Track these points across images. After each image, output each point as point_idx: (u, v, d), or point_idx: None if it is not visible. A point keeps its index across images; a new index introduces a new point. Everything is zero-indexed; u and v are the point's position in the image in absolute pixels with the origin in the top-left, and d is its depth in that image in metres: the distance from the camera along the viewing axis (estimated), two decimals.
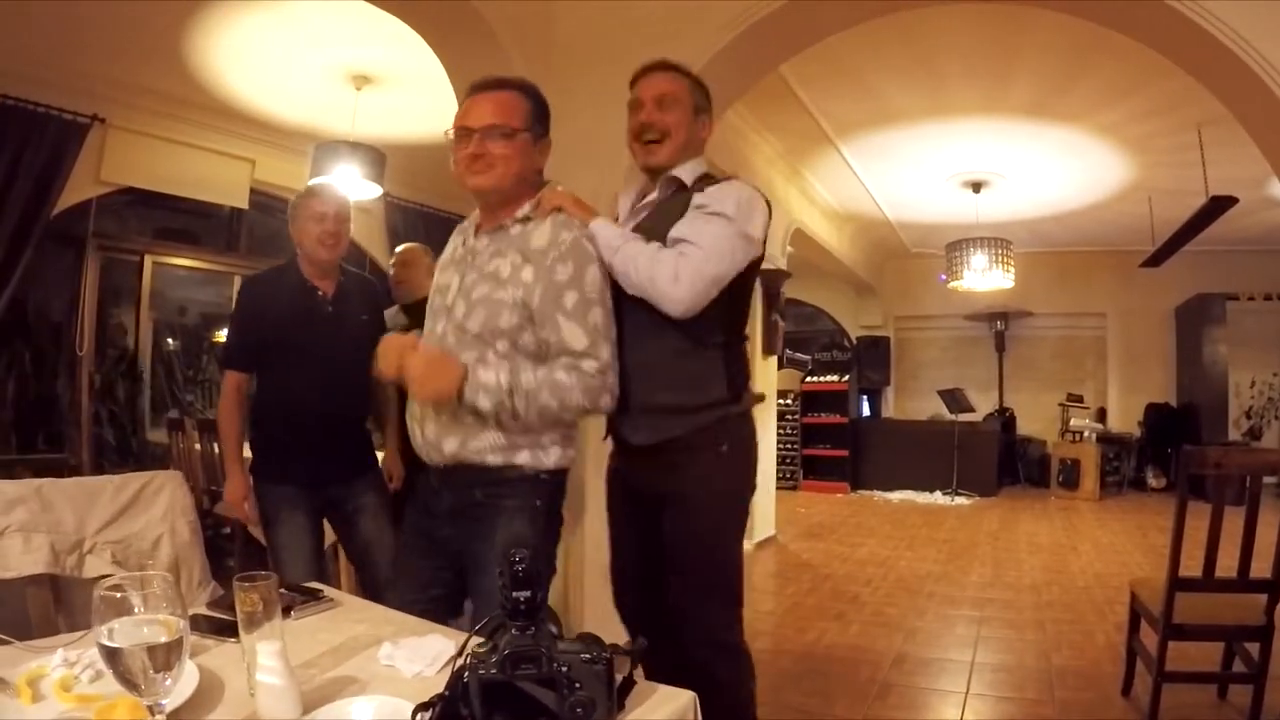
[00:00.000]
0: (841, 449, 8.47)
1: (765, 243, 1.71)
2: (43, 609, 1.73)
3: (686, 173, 1.73)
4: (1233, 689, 2.70)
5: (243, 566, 3.46)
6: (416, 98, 4.47)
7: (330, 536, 2.56)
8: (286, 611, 1.29)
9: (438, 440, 1.55)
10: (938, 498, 7.94)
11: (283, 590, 1.23)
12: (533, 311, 1.50)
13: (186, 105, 4.56)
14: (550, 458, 1.55)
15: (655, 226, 1.67)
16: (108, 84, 4.22)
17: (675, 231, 1.61)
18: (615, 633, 1.96)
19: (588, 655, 0.90)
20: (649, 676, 1.05)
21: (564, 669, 0.89)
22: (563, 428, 1.57)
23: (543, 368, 1.50)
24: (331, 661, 1.16)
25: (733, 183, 1.69)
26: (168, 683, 0.84)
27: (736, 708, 1.74)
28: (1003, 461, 8.49)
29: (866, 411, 9.54)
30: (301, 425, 2.29)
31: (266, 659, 0.95)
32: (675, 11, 2.88)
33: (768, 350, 6.02)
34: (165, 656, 0.83)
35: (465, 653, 0.92)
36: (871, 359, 9.63)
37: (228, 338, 2.58)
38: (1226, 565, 2.41)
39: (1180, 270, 7.47)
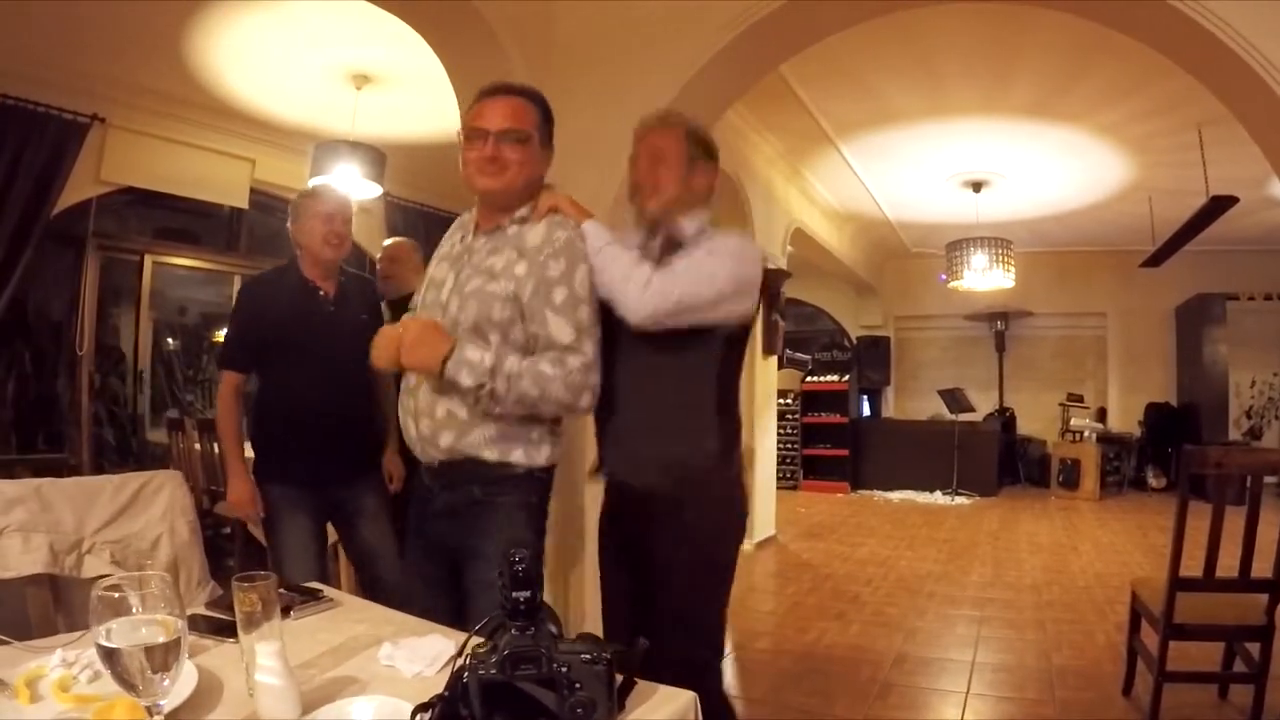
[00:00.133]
0: (842, 449, 8.48)
1: (757, 304, 1.71)
2: (42, 609, 1.73)
3: (688, 229, 1.71)
4: (1233, 689, 2.70)
5: (242, 566, 3.46)
6: (416, 98, 4.47)
7: (331, 536, 2.56)
8: (286, 611, 1.29)
9: (433, 435, 1.56)
10: (938, 497, 7.93)
11: (282, 590, 1.23)
12: (523, 305, 1.53)
13: (186, 105, 4.56)
14: (542, 455, 1.59)
15: None
16: (108, 84, 4.21)
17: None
18: None
19: (588, 655, 0.90)
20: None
21: (564, 669, 0.89)
22: (549, 423, 1.59)
23: (528, 358, 1.52)
24: (331, 661, 1.16)
25: (733, 234, 1.72)
26: (166, 683, 0.84)
27: None
28: (1003, 461, 8.49)
29: (867, 411, 9.54)
30: (302, 424, 2.29)
31: (265, 659, 0.95)
32: (675, 11, 2.88)
33: (768, 350, 6.01)
34: (163, 657, 0.83)
35: (465, 653, 0.92)
36: (871, 359, 9.62)
37: (226, 338, 2.58)
38: (1227, 565, 2.41)
39: (1180, 270, 7.47)
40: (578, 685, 0.88)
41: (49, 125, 3.99)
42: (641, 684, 1.01)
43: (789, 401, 8.46)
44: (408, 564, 1.78)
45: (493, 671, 0.88)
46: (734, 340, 1.70)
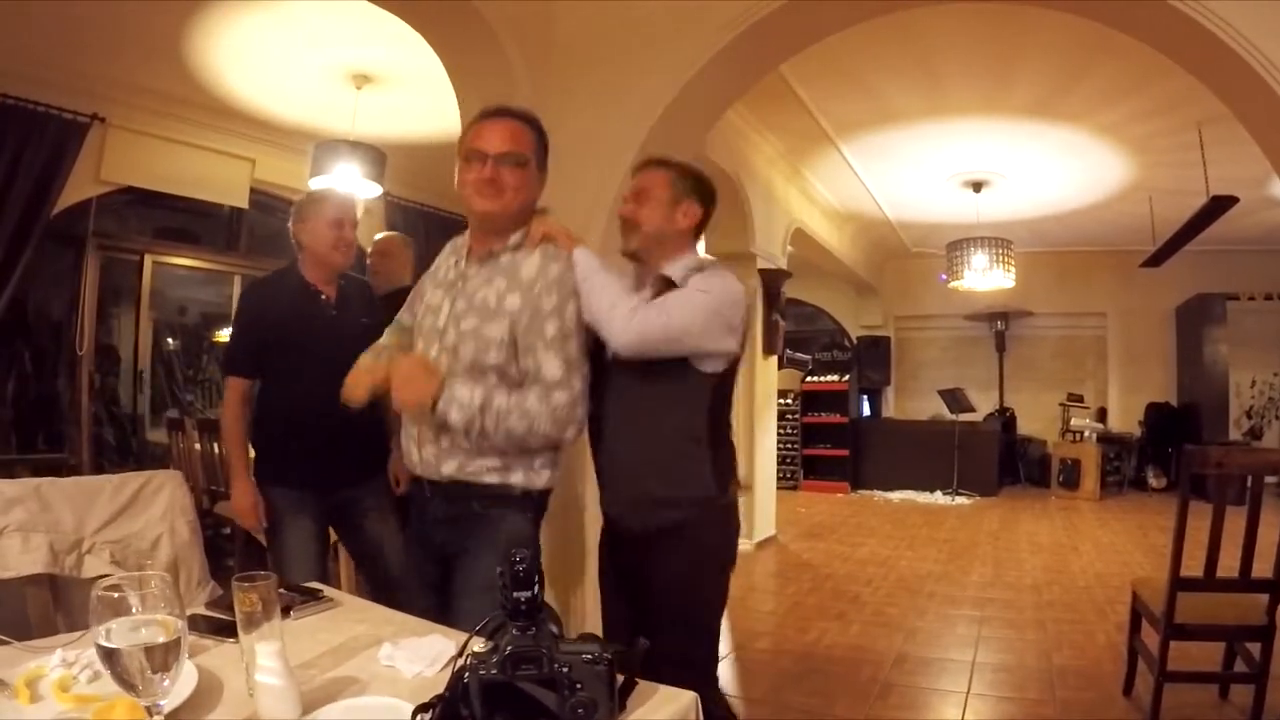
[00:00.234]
0: (842, 449, 8.48)
1: (743, 345, 1.73)
2: (41, 609, 1.73)
3: (676, 270, 1.74)
4: (1234, 689, 2.70)
5: (242, 566, 3.46)
6: (416, 97, 4.46)
7: (330, 537, 2.55)
8: (286, 612, 1.29)
9: (436, 462, 1.60)
10: (938, 497, 7.93)
11: (282, 590, 1.22)
12: (517, 339, 1.55)
13: (186, 105, 4.56)
14: (541, 479, 1.62)
15: None
16: (108, 84, 4.21)
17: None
18: None
19: (589, 655, 0.90)
20: None
21: (565, 669, 0.88)
22: (549, 451, 1.63)
23: (516, 393, 1.54)
24: (331, 662, 1.16)
25: (721, 272, 1.74)
26: (166, 683, 0.84)
27: None
28: (1003, 461, 8.49)
29: (867, 411, 9.53)
30: (304, 427, 2.27)
31: (266, 659, 0.95)
32: (675, 11, 2.88)
33: (768, 350, 6.01)
34: (163, 657, 0.83)
35: (465, 653, 0.92)
36: (872, 359, 9.62)
37: (230, 343, 2.56)
38: (1228, 565, 2.40)
39: (1180, 270, 7.47)
40: (579, 685, 0.88)
41: (49, 125, 3.99)
42: (642, 684, 1.01)
43: (789, 401, 8.46)
44: (407, 565, 1.81)
45: (493, 672, 0.88)
46: (724, 374, 1.72)
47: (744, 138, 5.19)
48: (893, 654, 3.33)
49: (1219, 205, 5.14)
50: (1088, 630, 3.60)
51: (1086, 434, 8.00)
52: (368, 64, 4.14)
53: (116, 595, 0.84)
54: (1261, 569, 2.39)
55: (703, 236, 1.87)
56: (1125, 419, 8.68)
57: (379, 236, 3.25)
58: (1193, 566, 2.41)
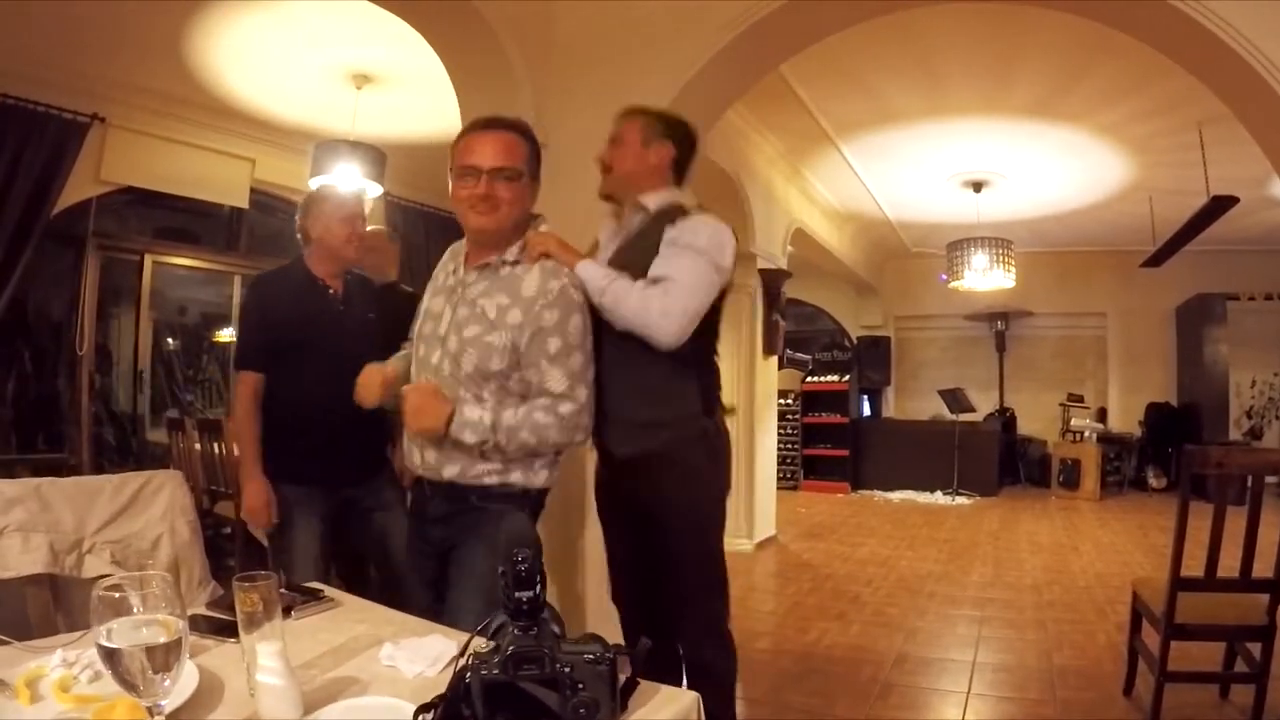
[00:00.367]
0: (842, 449, 8.47)
1: (733, 270, 1.84)
2: (42, 609, 1.73)
3: (652, 201, 1.86)
4: (1235, 689, 2.70)
5: (243, 566, 3.46)
6: (416, 97, 4.46)
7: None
8: (287, 611, 1.29)
9: (438, 466, 1.63)
10: (938, 498, 7.93)
11: (283, 590, 1.22)
12: (520, 354, 1.57)
13: (186, 105, 4.56)
14: (539, 478, 1.65)
15: (631, 259, 1.79)
16: (108, 84, 4.21)
17: (655, 270, 1.74)
18: (616, 633, 1.97)
19: (591, 655, 0.90)
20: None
21: (567, 669, 0.88)
22: (549, 455, 1.66)
23: (524, 406, 1.58)
24: (332, 662, 1.16)
25: (702, 217, 1.82)
26: (166, 683, 0.84)
27: (724, 692, 1.93)
28: (1003, 461, 8.49)
29: (867, 411, 9.53)
30: (311, 422, 2.26)
31: (266, 659, 0.95)
32: (675, 11, 2.88)
33: (768, 350, 6.00)
34: (164, 657, 0.82)
35: (467, 653, 0.92)
36: (872, 359, 9.62)
37: (240, 339, 2.56)
38: (1228, 565, 2.40)
39: (1181, 270, 7.46)
40: (580, 685, 0.88)
41: (49, 125, 3.99)
42: (644, 684, 1.01)
43: (789, 401, 8.46)
44: (407, 563, 1.82)
45: (495, 672, 0.88)
46: (713, 304, 1.79)
47: (744, 138, 5.19)
48: (893, 654, 3.33)
49: (1219, 205, 5.15)
50: (1088, 630, 3.60)
51: (1086, 434, 8.00)
52: (368, 64, 4.14)
53: (117, 595, 0.84)
54: (1262, 569, 2.39)
55: (687, 180, 1.95)
56: (1125, 419, 8.68)
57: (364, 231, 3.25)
58: (1193, 566, 2.41)
